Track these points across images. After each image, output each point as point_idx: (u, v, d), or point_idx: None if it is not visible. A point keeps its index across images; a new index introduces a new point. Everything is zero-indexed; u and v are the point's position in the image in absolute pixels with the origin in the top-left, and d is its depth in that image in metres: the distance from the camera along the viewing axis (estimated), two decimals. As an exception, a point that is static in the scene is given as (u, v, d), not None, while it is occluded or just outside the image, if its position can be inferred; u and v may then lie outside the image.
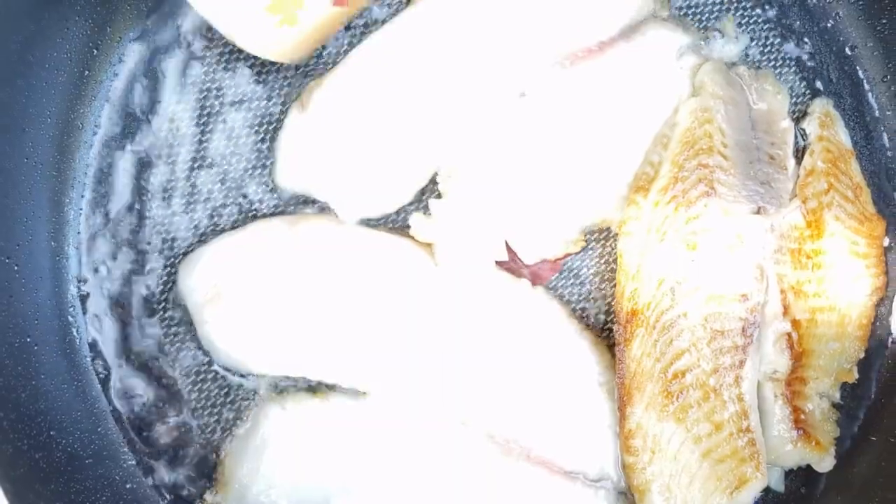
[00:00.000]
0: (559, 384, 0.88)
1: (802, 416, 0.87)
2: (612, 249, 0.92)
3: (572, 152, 0.89)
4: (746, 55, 0.96)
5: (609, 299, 0.92)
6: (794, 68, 0.97)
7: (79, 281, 0.88)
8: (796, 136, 0.93)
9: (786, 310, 0.88)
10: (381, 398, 0.87)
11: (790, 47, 0.97)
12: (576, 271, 0.93)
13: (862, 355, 0.90)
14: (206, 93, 0.91)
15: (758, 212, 0.87)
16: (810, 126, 0.94)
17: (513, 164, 0.88)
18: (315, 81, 0.88)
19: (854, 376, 0.90)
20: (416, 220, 0.89)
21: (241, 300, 0.86)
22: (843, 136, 0.94)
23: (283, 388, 0.89)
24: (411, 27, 0.88)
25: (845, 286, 0.89)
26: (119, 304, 0.89)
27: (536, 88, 0.89)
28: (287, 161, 0.88)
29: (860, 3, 0.96)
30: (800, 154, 0.93)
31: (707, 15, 0.96)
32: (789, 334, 0.87)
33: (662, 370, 0.85)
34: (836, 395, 0.89)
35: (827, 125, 0.94)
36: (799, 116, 0.95)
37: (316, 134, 0.87)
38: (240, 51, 0.90)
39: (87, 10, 0.86)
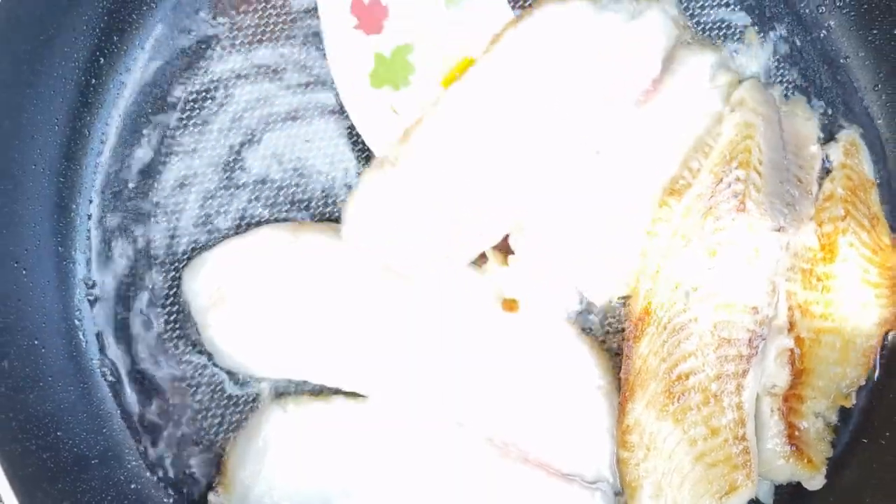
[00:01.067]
0: (557, 387, 0.89)
1: (797, 433, 0.88)
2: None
3: (642, 197, 0.90)
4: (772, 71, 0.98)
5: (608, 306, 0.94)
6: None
7: (86, 285, 0.90)
8: (822, 161, 0.95)
9: (791, 326, 0.89)
10: (382, 401, 0.88)
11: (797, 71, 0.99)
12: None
13: (863, 383, 0.91)
14: (214, 99, 0.92)
15: (778, 230, 0.88)
16: (835, 153, 0.95)
17: (585, 214, 0.89)
18: (399, 140, 0.88)
19: (852, 402, 0.91)
20: (503, 276, 0.89)
21: (244, 304, 0.87)
22: (866, 166, 0.96)
23: (285, 391, 0.90)
24: (487, 83, 0.88)
25: (853, 312, 0.90)
26: (125, 308, 0.90)
27: (609, 143, 0.90)
28: (361, 219, 0.87)
29: (851, 14, 0.97)
30: (822, 178, 0.95)
31: (727, 32, 0.98)
32: (792, 350, 0.89)
33: (667, 370, 0.86)
34: (833, 417, 0.90)
35: (851, 154, 0.95)
36: (825, 141, 0.97)
37: (395, 193, 0.87)
38: (249, 61, 0.92)
39: (95, 19, 0.87)
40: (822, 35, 0.98)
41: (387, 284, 0.88)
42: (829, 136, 0.97)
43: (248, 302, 0.87)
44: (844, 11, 0.97)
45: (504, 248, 0.90)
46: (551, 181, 0.89)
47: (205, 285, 0.88)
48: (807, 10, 0.99)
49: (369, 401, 0.88)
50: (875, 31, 0.96)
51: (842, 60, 0.98)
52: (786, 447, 0.87)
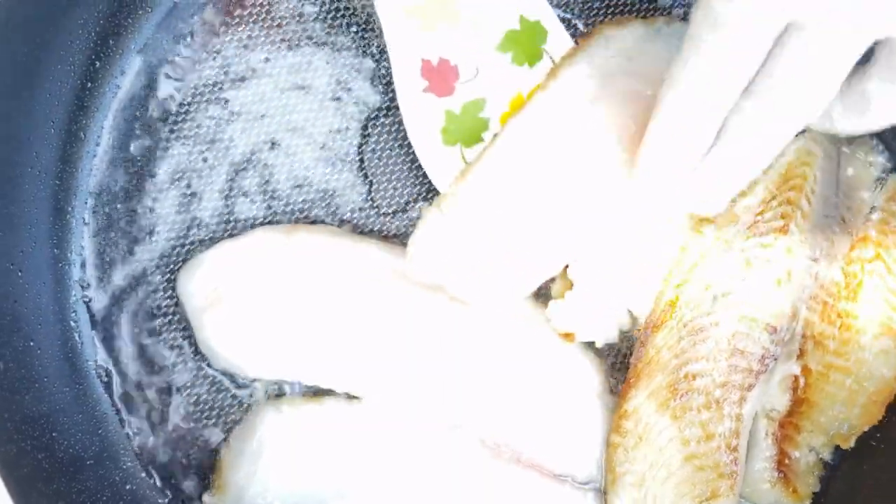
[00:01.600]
0: (549, 388, 0.90)
1: (787, 461, 0.88)
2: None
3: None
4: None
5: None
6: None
7: (81, 287, 0.91)
8: (870, 208, 0.94)
9: (801, 354, 0.89)
10: (376, 403, 0.89)
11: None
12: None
13: (866, 430, 0.89)
14: (210, 102, 0.93)
15: (814, 260, 0.89)
16: (878, 198, 0.93)
17: (634, 244, 0.90)
18: (455, 181, 0.88)
19: (850, 444, 0.89)
20: (555, 311, 0.89)
21: (239, 305, 0.88)
22: None
23: (279, 392, 0.91)
24: (542, 118, 0.88)
25: (870, 357, 0.89)
26: (119, 309, 0.91)
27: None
28: (424, 256, 0.87)
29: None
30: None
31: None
32: (796, 377, 0.89)
33: (677, 367, 0.87)
34: (826, 454, 0.90)
35: (894, 199, 0.93)
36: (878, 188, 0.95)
37: (455, 228, 0.87)
38: (246, 65, 0.92)
39: (91, 23, 0.88)
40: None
41: (382, 287, 0.89)
42: (883, 185, 0.94)
43: (243, 303, 0.88)
44: None
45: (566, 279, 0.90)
46: (607, 209, 0.88)
47: (200, 287, 0.89)
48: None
49: (364, 402, 0.89)
50: None
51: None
52: (773, 472, 0.87)
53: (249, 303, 0.88)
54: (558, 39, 0.90)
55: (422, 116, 0.86)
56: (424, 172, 0.91)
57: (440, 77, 0.84)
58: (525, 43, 0.87)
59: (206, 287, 0.89)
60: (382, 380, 0.88)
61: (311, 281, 0.88)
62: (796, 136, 0.91)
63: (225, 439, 0.90)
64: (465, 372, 0.89)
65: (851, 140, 0.95)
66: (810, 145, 0.92)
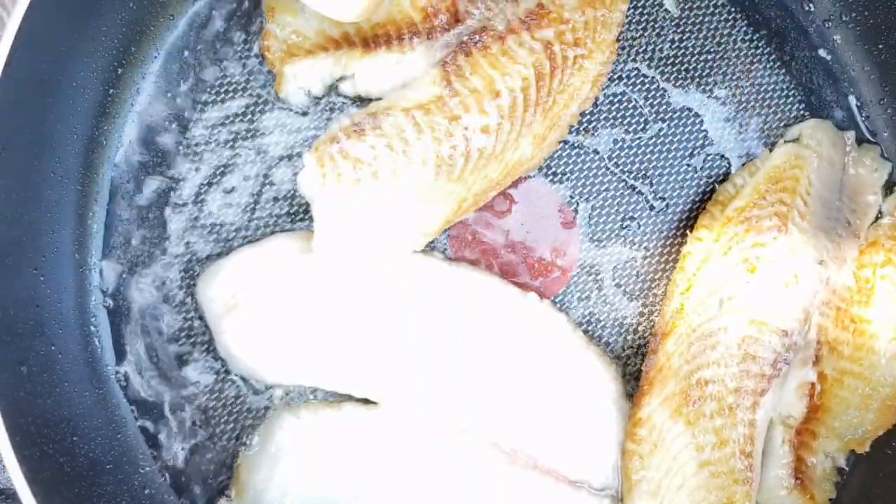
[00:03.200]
0: (565, 394, 0.90)
1: (804, 468, 0.89)
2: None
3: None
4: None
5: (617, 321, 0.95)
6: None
7: (101, 292, 0.91)
8: (879, 212, 0.95)
9: (817, 360, 0.90)
10: (392, 408, 0.89)
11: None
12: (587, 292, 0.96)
13: (881, 433, 0.89)
14: (231, 109, 0.94)
15: (820, 263, 0.89)
16: (887, 204, 0.94)
17: None
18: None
19: (865, 449, 0.89)
20: None
21: (258, 311, 0.88)
22: None
23: (297, 397, 0.91)
24: None
25: (883, 362, 0.89)
26: (139, 314, 0.91)
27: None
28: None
29: (857, 29, 0.98)
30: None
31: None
32: (812, 384, 0.89)
33: (689, 373, 0.87)
34: (842, 461, 0.90)
35: None
36: (886, 195, 0.96)
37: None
38: (265, 75, 0.93)
39: (114, 30, 0.88)
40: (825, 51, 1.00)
41: (398, 292, 0.89)
42: (891, 190, 0.96)
43: (261, 309, 0.89)
44: (849, 27, 0.99)
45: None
46: None
47: (219, 292, 0.89)
48: (811, 28, 1.00)
49: (380, 407, 0.89)
50: (881, 46, 0.97)
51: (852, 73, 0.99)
52: (791, 479, 0.88)
53: (268, 308, 0.89)
54: None
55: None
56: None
57: None
58: None
59: (225, 293, 0.89)
60: (399, 384, 0.89)
61: (328, 286, 0.89)
62: (785, 141, 0.95)
63: (243, 443, 0.90)
64: (481, 377, 0.89)
65: (857, 145, 0.96)
66: (799, 150, 0.93)
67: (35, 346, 0.83)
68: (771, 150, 0.95)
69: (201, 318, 0.91)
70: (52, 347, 0.85)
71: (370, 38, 0.90)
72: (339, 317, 0.89)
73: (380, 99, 0.90)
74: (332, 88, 0.93)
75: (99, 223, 0.91)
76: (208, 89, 0.93)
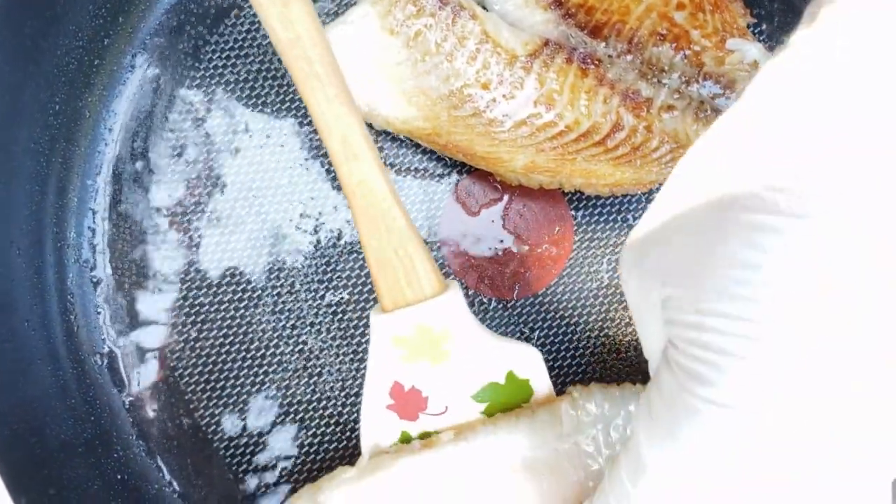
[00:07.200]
0: None
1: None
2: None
3: None
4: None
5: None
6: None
7: (81, 268, 0.88)
8: None
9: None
10: None
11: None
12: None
13: None
14: (222, 86, 0.92)
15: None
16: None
17: None
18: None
19: None
20: None
21: None
22: None
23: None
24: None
25: None
26: (119, 293, 0.89)
27: None
28: None
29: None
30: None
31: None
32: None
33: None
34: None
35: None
36: None
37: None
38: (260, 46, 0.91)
39: (102, -1, 0.86)
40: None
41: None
42: None
43: None
44: None
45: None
46: None
47: None
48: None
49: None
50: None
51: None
52: None
53: None
54: (543, 398, 0.83)
55: (377, 427, 0.81)
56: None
57: (407, 402, 0.80)
58: (504, 398, 0.81)
59: None
60: None
61: None
62: None
63: (219, 420, 0.88)
64: None
65: None
66: None
67: (9, 322, 0.80)
68: None
69: (178, 295, 0.88)
70: (26, 323, 0.83)
71: None
72: None
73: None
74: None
75: (81, 197, 0.89)
76: (200, 65, 0.91)
